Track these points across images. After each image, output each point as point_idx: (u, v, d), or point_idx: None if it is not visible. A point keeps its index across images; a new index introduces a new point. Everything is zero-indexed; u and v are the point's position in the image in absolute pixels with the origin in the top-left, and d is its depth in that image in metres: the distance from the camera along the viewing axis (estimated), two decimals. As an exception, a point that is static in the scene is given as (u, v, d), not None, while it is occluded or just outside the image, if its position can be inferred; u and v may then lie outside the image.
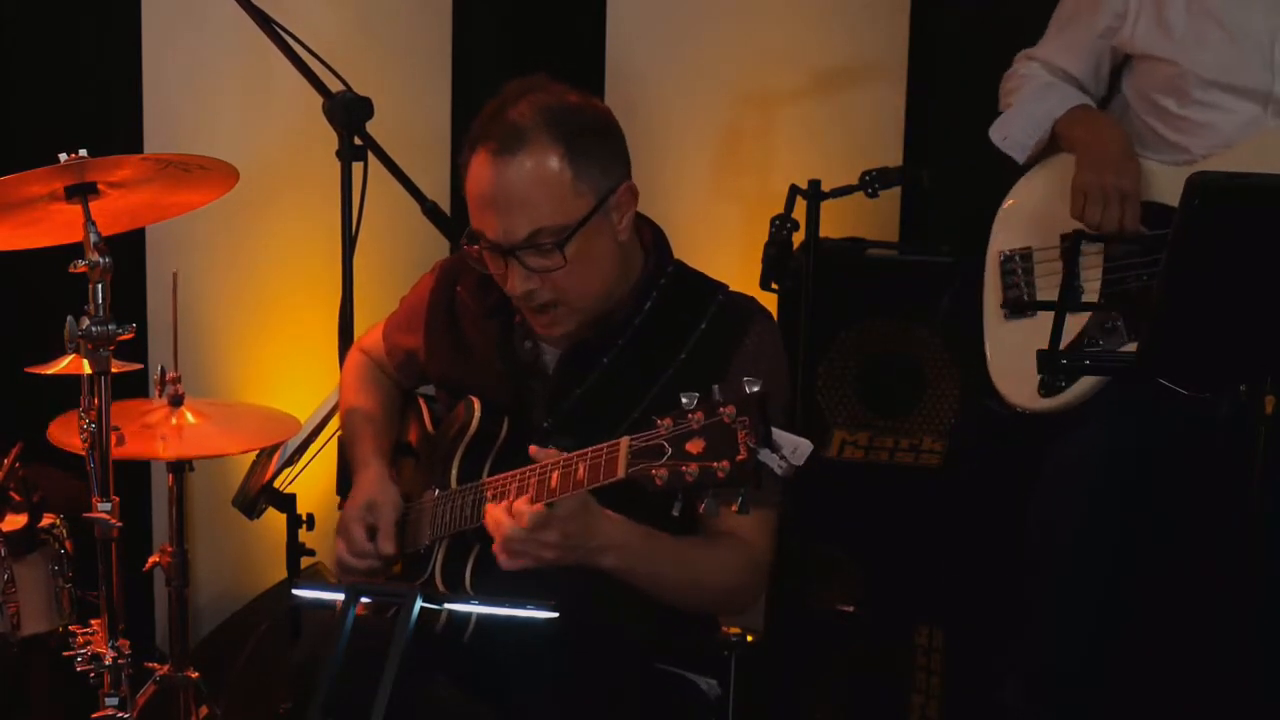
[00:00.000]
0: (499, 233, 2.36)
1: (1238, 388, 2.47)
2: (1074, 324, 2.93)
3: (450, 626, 2.40)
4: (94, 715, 2.66)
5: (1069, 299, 2.87)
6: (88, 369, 2.53)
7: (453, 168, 3.72)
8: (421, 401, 2.72)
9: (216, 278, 3.82)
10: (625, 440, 2.10)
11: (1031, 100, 3.09)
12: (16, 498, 3.07)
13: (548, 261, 2.36)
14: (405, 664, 2.03)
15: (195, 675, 3.21)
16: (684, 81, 4.00)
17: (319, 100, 3.02)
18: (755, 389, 2.00)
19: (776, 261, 3.27)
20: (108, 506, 2.57)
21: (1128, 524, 2.98)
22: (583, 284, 2.39)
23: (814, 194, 3.30)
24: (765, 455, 1.99)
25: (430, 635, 2.37)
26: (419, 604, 2.07)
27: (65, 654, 2.72)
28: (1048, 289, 3.00)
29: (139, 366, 2.73)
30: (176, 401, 3.11)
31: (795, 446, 2.02)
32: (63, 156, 2.48)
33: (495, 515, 2.24)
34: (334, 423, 3.07)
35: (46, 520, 3.07)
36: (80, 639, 2.71)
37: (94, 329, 2.49)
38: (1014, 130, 3.09)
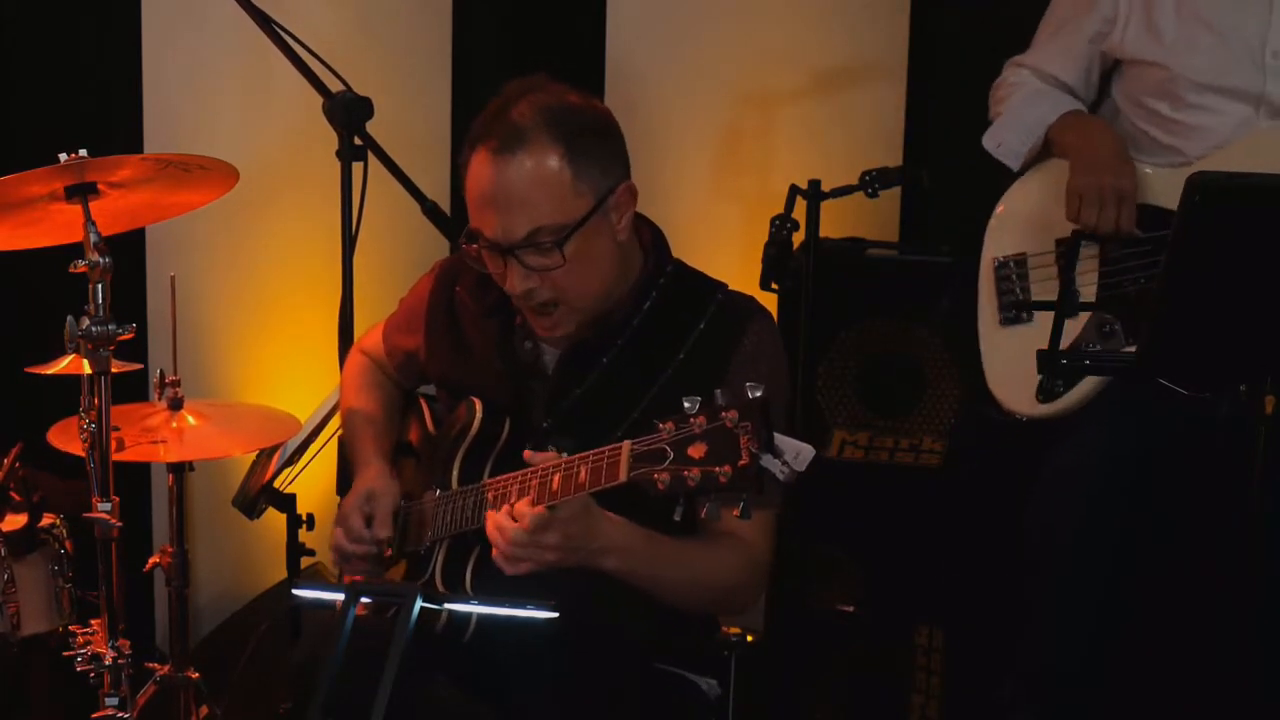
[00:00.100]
0: (498, 231, 2.36)
1: (1238, 388, 2.47)
2: (1070, 329, 2.93)
3: (450, 627, 2.40)
4: (94, 715, 2.66)
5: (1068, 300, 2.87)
6: (88, 369, 2.53)
7: (453, 168, 3.72)
8: (423, 401, 2.72)
9: (216, 278, 3.82)
10: (627, 444, 2.10)
11: (1023, 107, 3.09)
12: (16, 498, 3.07)
13: (547, 260, 2.36)
14: (405, 664, 2.03)
15: (195, 675, 3.21)
16: (684, 81, 4.00)
17: (319, 100, 3.02)
18: (758, 394, 2.00)
19: (776, 261, 3.27)
20: (108, 506, 2.57)
21: (1127, 525, 2.98)
22: (582, 283, 2.40)
23: (814, 194, 3.30)
24: (768, 461, 1.99)
25: (430, 635, 2.37)
26: (419, 604, 2.07)
27: (65, 654, 2.72)
28: (1044, 294, 3.00)
29: (139, 366, 2.73)
30: (176, 405, 3.11)
31: (798, 452, 2.02)
32: (63, 156, 2.48)
33: (496, 520, 2.24)
34: (334, 423, 3.08)
35: (46, 520, 3.07)
36: (80, 639, 2.71)
37: (94, 329, 2.49)
38: (1007, 137, 3.09)
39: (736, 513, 2.02)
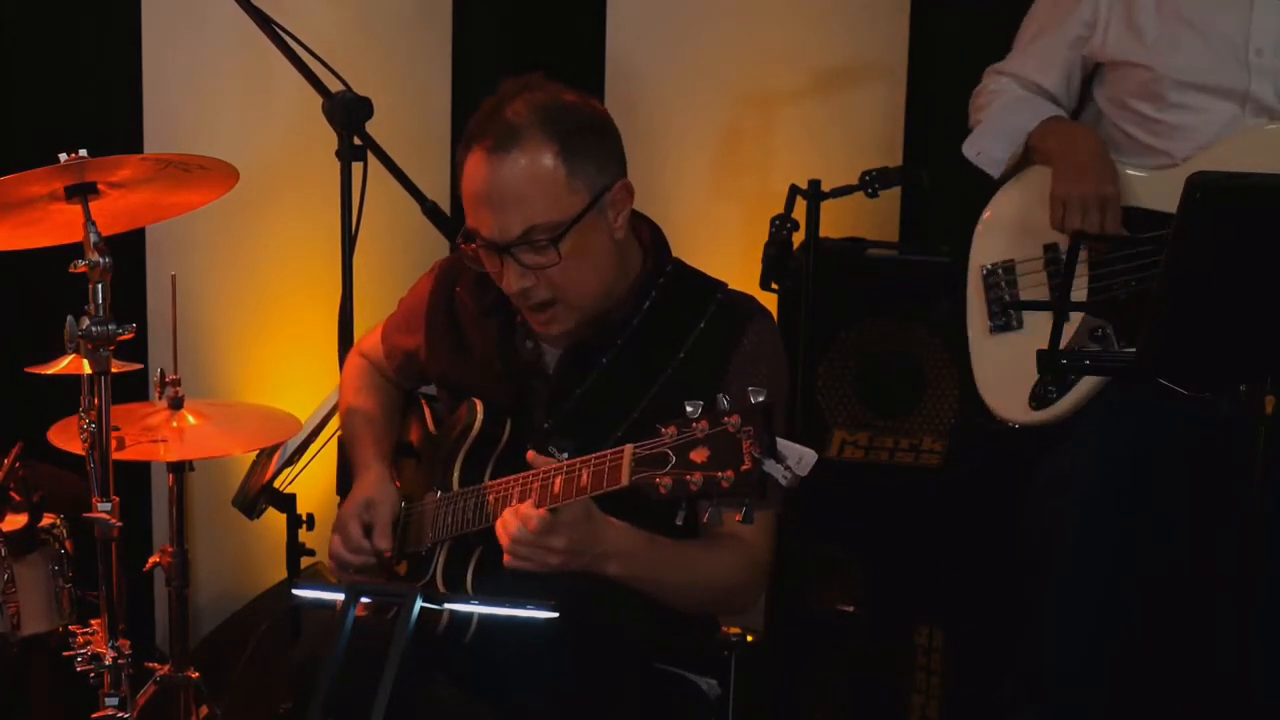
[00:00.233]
0: (494, 230, 2.37)
1: (1238, 388, 2.47)
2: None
3: (452, 627, 2.40)
4: (94, 715, 2.66)
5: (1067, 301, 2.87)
6: (88, 369, 2.53)
7: (452, 168, 3.69)
8: (423, 402, 2.72)
9: (216, 278, 3.82)
10: (629, 448, 2.10)
11: (1003, 114, 3.09)
12: (16, 498, 3.07)
13: (542, 258, 2.36)
14: (405, 664, 2.03)
15: (195, 675, 3.21)
16: (684, 81, 4.00)
17: (319, 100, 3.02)
18: (760, 399, 2.00)
19: (776, 261, 3.27)
20: (108, 506, 2.57)
21: (1126, 525, 2.98)
22: (579, 281, 2.40)
23: (814, 194, 3.30)
24: (770, 466, 1.99)
25: (431, 635, 2.37)
26: (419, 604, 2.07)
27: (65, 654, 2.72)
28: (1033, 300, 2.99)
29: (139, 366, 2.73)
30: (176, 404, 3.10)
31: (800, 457, 2.02)
32: (63, 156, 2.48)
33: (503, 519, 2.24)
34: (334, 423, 3.07)
35: (46, 520, 3.06)
36: (80, 639, 2.71)
37: (94, 329, 2.49)
38: (987, 145, 3.09)
39: (739, 517, 2.02)
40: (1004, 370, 3.00)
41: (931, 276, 3.49)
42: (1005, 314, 3.03)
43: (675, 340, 2.45)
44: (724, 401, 2.02)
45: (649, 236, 2.52)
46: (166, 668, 3.21)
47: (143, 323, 2.98)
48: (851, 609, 3.54)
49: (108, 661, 2.65)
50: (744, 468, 1.99)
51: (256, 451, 3.28)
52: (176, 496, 3.20)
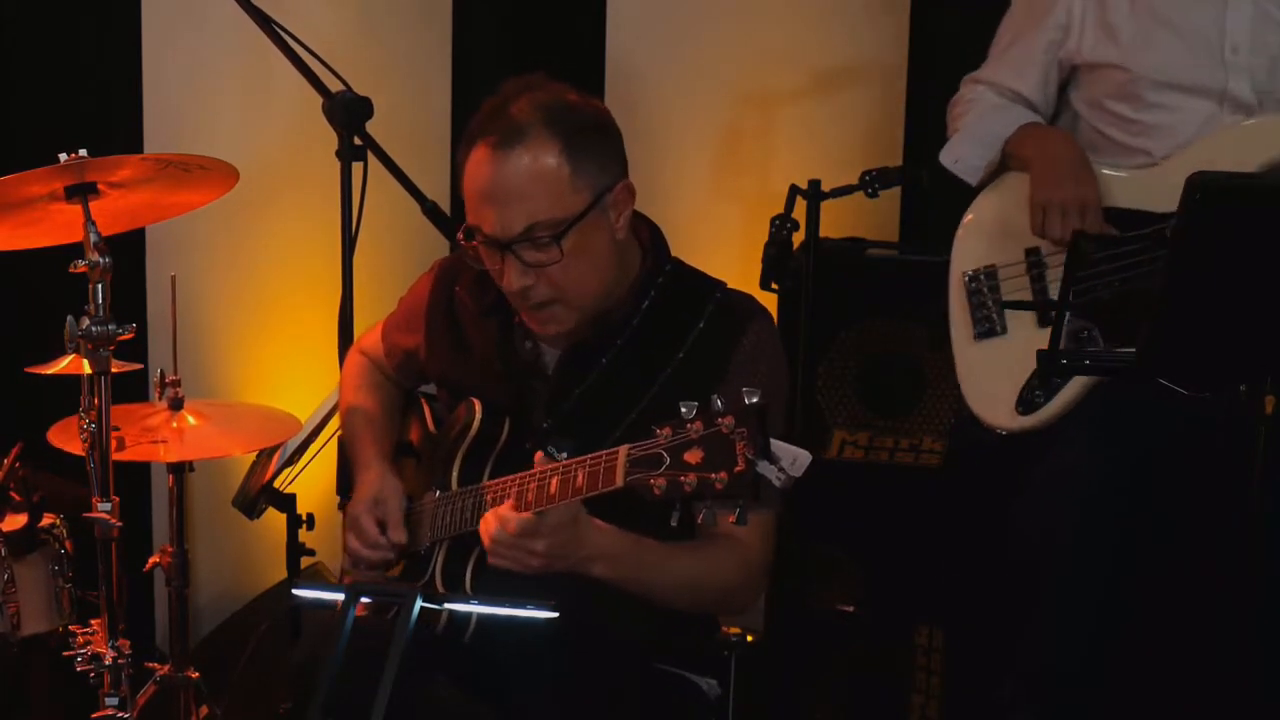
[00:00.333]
0: (495, 227, 2.37)
1: (1238, 388, 2.47)
2: (1044, 341, 2.91)
3: (451, 627, 2.40)
4: (94, 715, 2.66)
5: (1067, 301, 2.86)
6: (88, 369, 2.53)
7: (453, 168, 3.70)
8: (423, 401, 2.72)
9: (216, 278, 3.82)
10: (624, 449, 2.10)
11: (980, 122, 3.08)
12: (16, 498, 3.07)
13: (544, 256, 2.36)
14: (405, 664, 2.03)
15: (195, 675, 3.21)
16: (684, 81, 4.00)
17: (319, 100, 3.02)
18: (754, 399, 1.99)
19: (776, 261, 3.27)
20: (108, 506, 2.57)
21: (1125, 525, 2.97)
22: (580, 281, 2.40)
23: (814, 194, 3.29)
24: (763, 467, 1.99)
25: (430, 635, 2.37)
26: (419, 604, 2.07)
27: (65, 654, 2.72)
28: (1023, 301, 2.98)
29: (139, 366, 2.73)
30: (177, 405, 3.10)
31: (794, 458, 2.02)
32: (63, 156, 2.48)
33: (486, 520, 2.25)
34: (334, 423, 3.08)
35: (46, 520, 3.06)
36: (80, 639, 2.71)
37: (94, 329, 2.49)
38: (964, 153, 3.08)
39: (733, 519, 2.02)
40: (989, 377, 2.99)
41: (931, 276, 3.47)
42: (989, 320, 3.02)
43: (675, 340, 2.45)
44: (718, 402, 2.02)
45: (648, 236, 2.52)
46: (166, 668, 3.21)
47: (143, 323, 2.98)
48: (851, 609, 3.54)
49: (108, 661, 2.65)
50: (737, 469, 1.99)
51: (256, 452, 3.28)
52: (176, 497, 3.20)
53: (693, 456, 2.02)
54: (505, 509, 2.22)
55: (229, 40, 3.61)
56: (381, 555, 2.51)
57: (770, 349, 2.47)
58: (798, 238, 3.31)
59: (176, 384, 3.11)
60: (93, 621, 2.74)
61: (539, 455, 2.25)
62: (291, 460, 3.24)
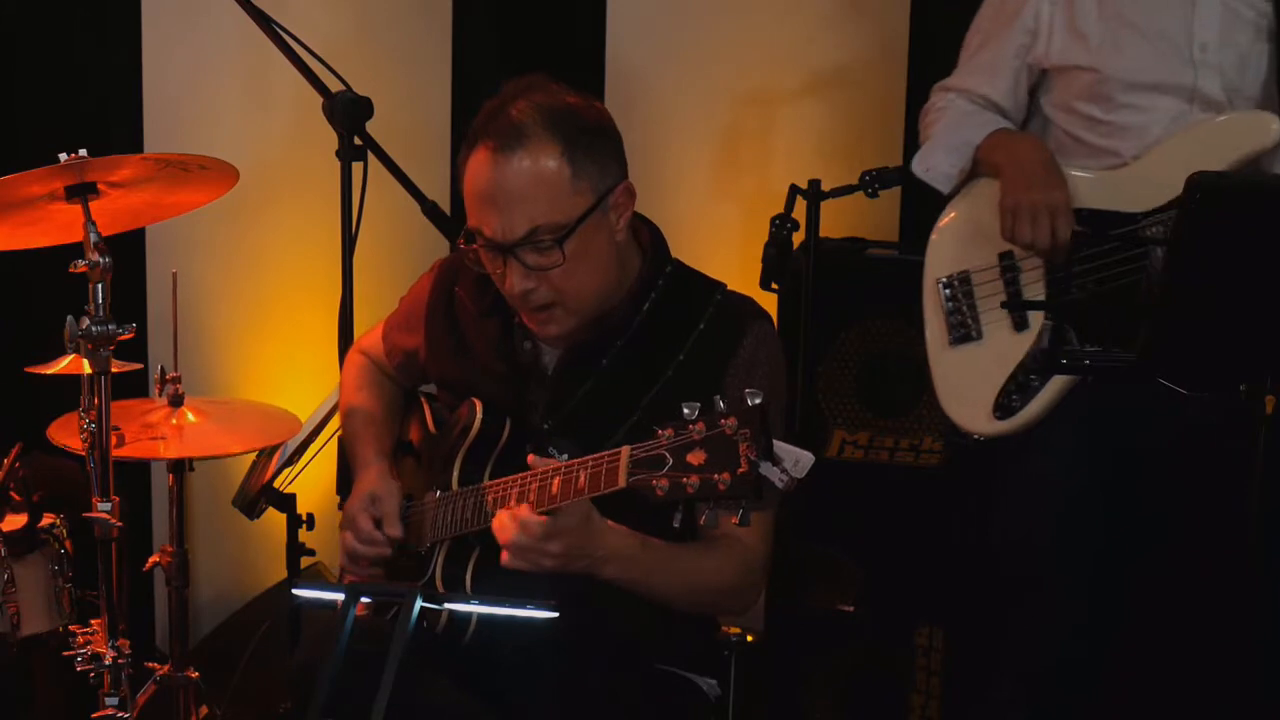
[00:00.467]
0: (497, 230, 2.36)
1: (1238, 388, 2.47)
2: (1024, 341, 2.91)
3: (451, 627, 2.40)
4: (94, 715, 2.66)
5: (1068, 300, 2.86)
6: (88, 369, 2.53)
7: (453, 168, 3.70)
8: (424, 400, 2.72)
9: (216, 277, 3.82)
10: (626, 450, 2.10)
11: (949, 131, 3.08)
12: (16, 498, 3.07)
13: (545, 259, 2.36)
14: (405, 664, 2.03)
15: (195, 675, 3.21)
16: (684, 81, 4.00)
17: (319, 100, 3.02)
18: (757, 401, 1.99)
19: (776, 261, 3.27)
20: (108, 506, 2.57)
21: (1115, 525, 2.97)
22: (580, 283, 2.39)
23: (814, 194, 3.29)
24: (766, 468, 1.99)
25: (430, 636, 2.37)
26: (419, 604, 2.07)
27: (65, 654, 2.72)
28: (991, 309, 2.98)
29: (139, 366, 2.73)
30: (177, 401, 3.11)
31: (797, 459, 2.02)
32: (63, 156, 2.49)
33: (502, 520, 2.24)
34: (334, 423, 3.08)
35: (46, 520, 3.07)
36: (80, 639, 2.71)
37: (94, 329, 2.49)
38: (935, 161, 3.08)
39: (735, 520, 2.02)
40: (965, 382, 2.99)
41: (931, 276, 3.49)
42: (964, 325, 3.01)
43: (675, 341, 2.44)
44: (721, 403, 2.02)
45: (648, 237, 2.52)
46: (166, 668, 3.21)
47: (143, 323, 2.98)
48: (851, 609, 3.53)
49: (108, 661, 2.65)
50: (740, 470, 1.99)
51: (256, 451, 3.28)
52: (176, 496, 3.20)
53: (695, 458, 2.02)
54: (524, 511, 2.21)
55: (229, 40, 3.61)
56: (377, 551, 2.51)
57: (770, 351, 2.47)
58: (798, 238, 3.31)
59: (176, 380, 3.11)
60: (93, 621, 2.74)
61: (531, 458, 2.25)
62: (291, 460, 3.24)
